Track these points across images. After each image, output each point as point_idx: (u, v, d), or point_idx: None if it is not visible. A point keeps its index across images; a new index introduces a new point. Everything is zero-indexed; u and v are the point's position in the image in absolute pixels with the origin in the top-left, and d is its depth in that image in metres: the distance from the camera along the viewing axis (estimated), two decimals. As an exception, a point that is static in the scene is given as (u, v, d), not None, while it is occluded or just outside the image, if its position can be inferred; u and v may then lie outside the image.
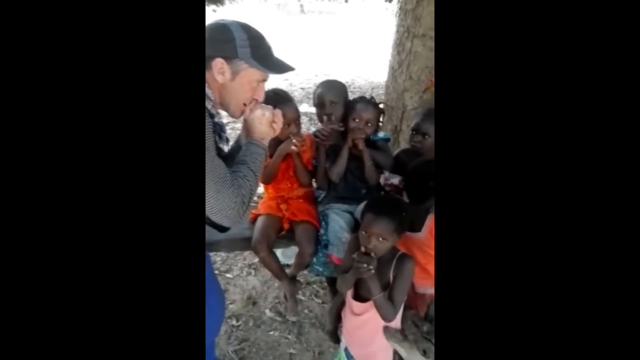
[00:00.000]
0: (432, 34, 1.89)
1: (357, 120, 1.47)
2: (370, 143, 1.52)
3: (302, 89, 5.85)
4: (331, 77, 1.69)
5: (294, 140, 1.45)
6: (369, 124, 1.48)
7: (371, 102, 1.50)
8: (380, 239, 1.06)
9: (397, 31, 2.09)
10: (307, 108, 4.57)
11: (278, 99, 1.45)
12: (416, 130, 1.54)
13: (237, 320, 1.80)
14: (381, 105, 1.54)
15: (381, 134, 1.58)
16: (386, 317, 1.10)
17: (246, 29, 0.92)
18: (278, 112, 1.02)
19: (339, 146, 1.51)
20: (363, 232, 1.10)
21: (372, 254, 1.05)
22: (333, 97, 1.51)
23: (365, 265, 1.03)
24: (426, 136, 1.51)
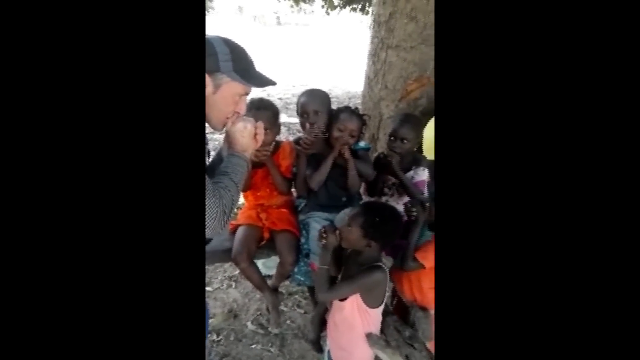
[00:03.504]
0: (405, 45, 1.95)
1: (341, 130, 1.48)
2: (352, 152, 1.54)
3: (280, 99, 5.87)
4: (310, 87, 1.70)
5: (258, 151, 1.43)
6: (353, 135, 1.50)
7: (355, 113, 1.52)
8: (348, 227, 1.17)
9: (372, 42, 2.15)
10: (285, 118, 4.59)
11: (250, 107, 1.45)
12: (394, 135, 1.57)
13: (218, 335, 1.75)
14: (364, 117, 1.57)
15: (362, 143, 1.60)
16: (317, 290, 1.22)
17: (228, 43, 0.93)
18: (260, 124, 1.02)
19: (320, 155, 1.52)
20: (345, 217, 1.24)
21: (338, 235, 1.18)
22: (316, 107, 1.51)
23: (325, 233, 1.18)
24: (405, 141, 1.55)
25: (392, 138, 1.59)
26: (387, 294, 1.20)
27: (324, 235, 1.17)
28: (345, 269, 1.23)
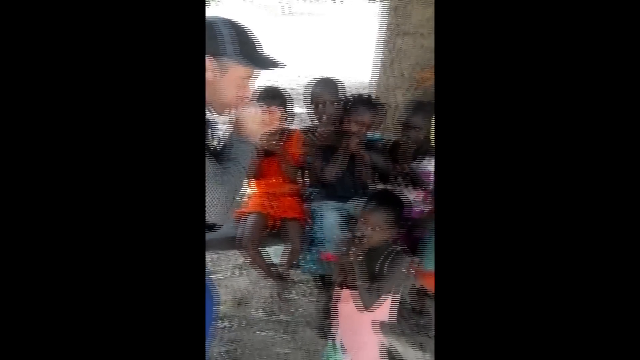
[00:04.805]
0: (422, 31, 1.90)
1: (357, 124, 1.45)
2: (366, 145, 1.51)
3: (292, 89, 5.84)
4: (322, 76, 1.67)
5: (269, 140, 1.43)
6: (369, 128, 1.48)
7: (372, 104, 1.48)
8: (377, 229, 1.09)
9: (387, 28, 2.10)
10: (295, 109, 4.56)
11: (262, 96, 1.45)
12: (407, 124, 1.54)
13: (227, 322, 1.77)
14: (381, 106, 1.53)
15: (376, 134, 1.58)
16: (363, 306, 1.10)
17: (233, 25, 0.91)
18: (267, 109, 1.01)
19: (334, 147, 1.50)
20: (361, 220, 1.11)
21: (364, 242, 1.08)
22: (329, 97, 1.49)
23: (353, 249, 1.05)
24: (417, 129, 1.51)
25: (404, 127, 1.55)
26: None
27: (354, 249, 1.06)
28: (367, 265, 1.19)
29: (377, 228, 1.08)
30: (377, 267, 1.13)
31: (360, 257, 1.07)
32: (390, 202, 1.13)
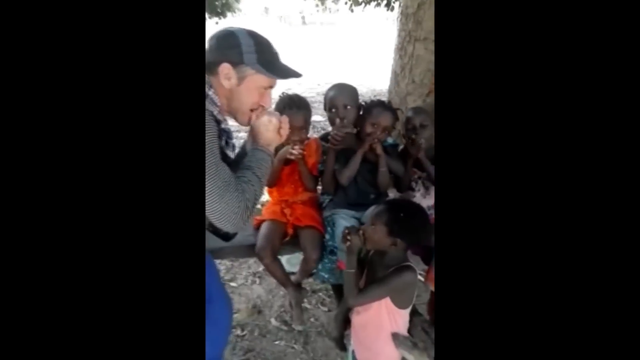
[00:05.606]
0: (434, 37, 1.89)
1: (375, 125, 1.45)
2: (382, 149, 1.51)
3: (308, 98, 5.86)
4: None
5: (294, 149, 1.44)
6: (385, 130, 1.48)
7: (388, 107, 1.49)
8: (372, 225, 1.12)
9: (399, 35, 2.10)
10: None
11: (287, 105, 1.46)
12: (411, 124, 1.55)
13: (242, 330, 1.77)
14: (397, 111, 1.54)
15: (390, 140, 1.57)
16: (346, 296, 1.18)
17: (253, 35, 0.93)
18: (285, 118, 1.01)
19: (350, 150, 1.50)
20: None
21: (355, 232, 1.13)
22: (346, 101, 1.50)
23: (349, 236, 1.12)
24: (423, 126, 1.52)
25: (408, 128, 1.56)
26: (417, 294, 1.16)
27: (348, 238, 1.13)
28: (370, 271, 1.20)
29: (371, 225, 1.12)
30: (380, 273, 1.13)
31: (349, 244, 1.13)
32: (392, 205, 1.15)
